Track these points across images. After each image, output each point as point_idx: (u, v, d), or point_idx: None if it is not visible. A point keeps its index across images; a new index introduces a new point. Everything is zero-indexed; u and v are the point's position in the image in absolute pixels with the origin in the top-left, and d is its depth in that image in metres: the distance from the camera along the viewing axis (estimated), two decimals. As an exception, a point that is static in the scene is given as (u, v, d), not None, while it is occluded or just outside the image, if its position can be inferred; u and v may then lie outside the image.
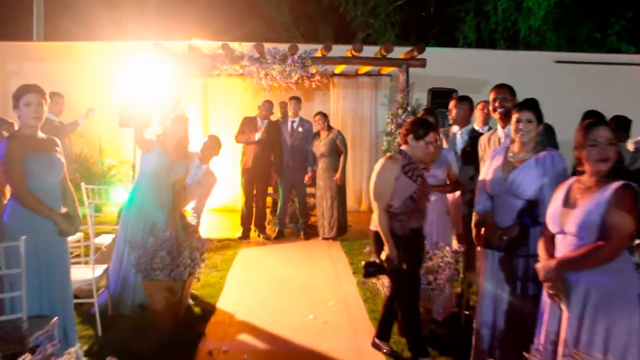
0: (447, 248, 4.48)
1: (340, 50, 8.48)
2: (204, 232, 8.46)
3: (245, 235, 8.04)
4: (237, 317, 4.91)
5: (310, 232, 8.27)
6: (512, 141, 3.63)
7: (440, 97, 8.05)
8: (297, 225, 8.32)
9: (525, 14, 19.40)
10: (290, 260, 6.96)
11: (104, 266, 4.59)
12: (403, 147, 3.89)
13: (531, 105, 3.47)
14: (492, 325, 3.54)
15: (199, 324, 4.71)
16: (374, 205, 3.83)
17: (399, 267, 3.77)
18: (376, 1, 20.75)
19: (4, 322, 3.24)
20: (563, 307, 2.75)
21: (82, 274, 4.38)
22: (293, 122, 8.12)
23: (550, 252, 2.88)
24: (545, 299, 2.90)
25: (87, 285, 4.34)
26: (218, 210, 10.35)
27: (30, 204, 3.43)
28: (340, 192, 7.95)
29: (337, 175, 7.84)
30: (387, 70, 9.81)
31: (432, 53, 8.10)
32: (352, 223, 8.54)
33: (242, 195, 8.11)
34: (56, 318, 3.36)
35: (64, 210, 3.63)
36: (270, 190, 8.68)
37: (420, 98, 8.16)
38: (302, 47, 8.09)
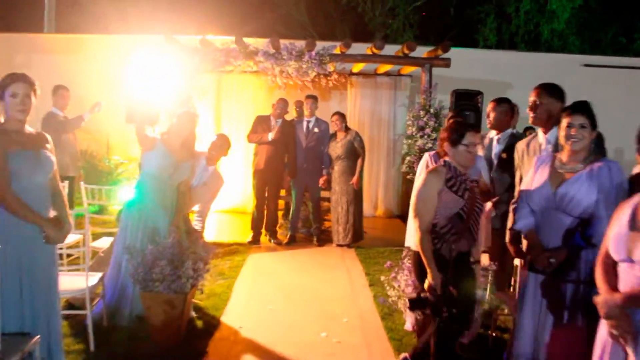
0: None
1: (359, 48, 8.08)
2: (212, 235, 8.12)
3: (255, 240, 7.64)
4: (242, 333, 4.49)
5: (323, 237, 7.85)
6: (557, 149, 3.19)
7: (464, 99, 7.61)
8: (310, 230, 7.90)
9: (548, 16, 18.93)
10: (302, 268, 6.55)
11: (99, 274, 4.20)
12: (446, 158, 3.42)
13: (584, 108, 3.02)
14: (531, 359, 3.11)
15: (202, 340, 4.30)
16: (415, 224, 3.36)
17: (443, 298, 3.21)
18: (395, 1, 20.38)
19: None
20: (629, 351, 2.29)
21: (75, 282, 4.00)
22: (309, 122, 7.71)
23: (612, 284, 2.41)
24: (605, 338, 2.44)
25: (82, 294, 3.95)
26: (228, 212, 9.98)
27: (14, 208, 3.03)
28: (356, 197, 7.52)
29: (354, 179, 7.42)
30: (407, 70, 9.39)
31: (453, 53, 7.68)
32: (368, 229, 8.10)
33: (253, 198, 7.72)
34: (38, 336, 2.97)
35: (52, 214, 3.24)
36: (282, 193, 8.28)
37: (442, 100, 7.72)
38: (320, 44, 7.69)
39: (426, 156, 4.52)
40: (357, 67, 9.42)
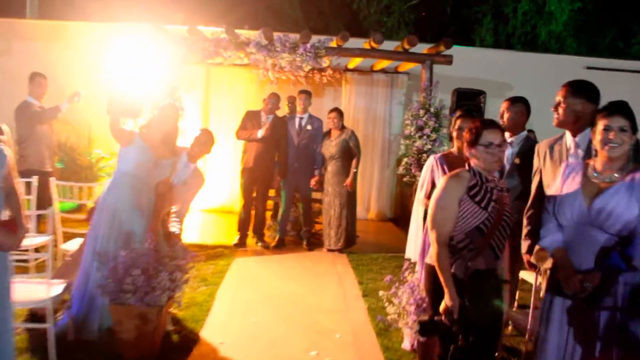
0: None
1: (356, 44, 7.64)
2: (196, 236, 7.68)
3: (241, 243, 7.19)
4: (223, 350, 4.04)
5: (314, 241, 7.42)
6: (589, 154, 2.79)
7: (465, 98, 7.23)
8: (300, 233, 7.47)
9: (546, 18, 18.69)
10: (290, 275, 6.12)
11: (65, 282, 3.74)
12: (472, 162, 2.97)
13: (624, 109, 2.62)
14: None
15: (178, 357, 3.86)
16: (431, 236, 2.93)
17: (460, 323, 2.79)
18: (390, -1, 20.10)
19: None
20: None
21: (36, 291, 3.54)
22: (301, 118, 7.26)
23: None
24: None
25: (44, 305, 3.50)
26: (214, 211, 9.53)
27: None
28: (350, 199, 7.09)
29: (348, 180, 6.99)
30: (405, 67, 8.99)
31: (453, 51, 7.27)
32: (360, 233, 7.67)
33: (241, 198, 7.27)
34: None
35: (4, 216, 2.78)
36: (272, 193, 7.84)
37: (443, 99, 7.31)
38: (315, 38, 7.26)
39: (431, 160, 4.10)
40: (353, 62, 9.01)
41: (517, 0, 18.61)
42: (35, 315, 3.97)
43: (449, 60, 7.24)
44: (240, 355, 3.99)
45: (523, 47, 18.84)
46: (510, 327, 4.42)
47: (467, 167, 2.94)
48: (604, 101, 5.86)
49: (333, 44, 7.20)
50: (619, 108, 2.61)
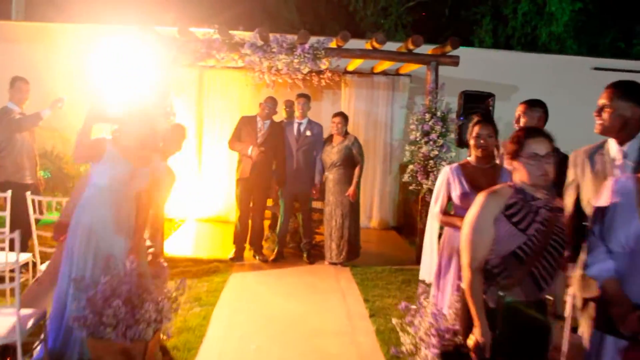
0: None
1: (354, 46, 7.25)
2: (190, 249, 7.26)
3: (238, 256, 6.77)
4: (219, 385, 3.65)
5: (314, 253, 7.01)
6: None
7: (473, 101, 6.81)
8: (300, 245, 7.05)
9: (547, 19, 18.38)
10: (291, 293, 5.70)
11: (38, 312, 3.32)
12: (514, 178, 2.58)
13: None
14: None
15: (167, 395, 3.46)
16: (463, 259, 2.55)
17: None
18: (387, 1, 19.78)
19: None
20: None
21: (4, 324, 3.12)
22: (300, 124, 6.85)
23: None
24: None
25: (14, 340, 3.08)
26: (208, 221, 9.12)
27: None
28: (352, 209, 6.68)
29: (350, 190, 6.57)
30: (407, 69, 8.60)
31: (456, 52, 6.90)
32: (363, 243, 7.20)
33: (237, 209, 6.83)
34: None
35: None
36: (269, 203, 7.43)
37: (449, 102, 6.91)
38: (314, 38, 6.86)
39: (446, 171, 3.69)
40: (353, 64, 8.63)
41: (517, 1, 18.30)
42: (6, 349, 3.55)
43: (455, 61, 6.86)
44: (237, 390, 3.58)
45: (523, 48, 18.54)
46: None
47: (509, 183, 2.54)
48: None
49: (332, 45, 6.80)
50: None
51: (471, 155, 3.66)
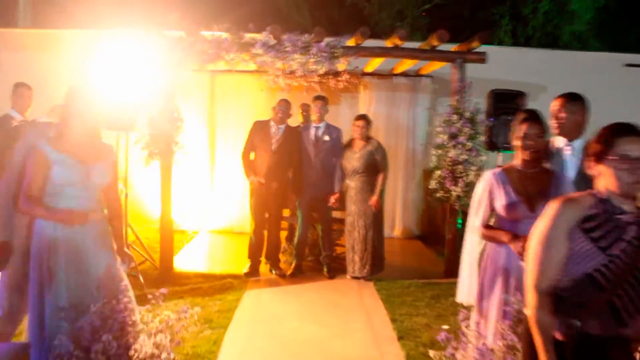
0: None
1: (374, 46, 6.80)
2: (203, 263, 6.83)
3: (253, 271, 6.32)
4: None
5: (335, 267, 6.53)
6: None
7: (504, 101, 6.30)
8: (320, 259, 6.57)
9: (568, 17, 17.84)
10: (311, 312, 5.22)
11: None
12: (598, 185, 2.09)
13: None
14: None
15: None
16: (529, 279, 2.07)
17: None
18: (402, 4, 19.38)
19: None
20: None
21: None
22: (317, 128, 6.40)
23: None
24: None
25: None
26: (223, 232, 8.68)
27: None
28: (376, 219, 6.19)
29: (373, 199, 6.09)
30: (428, 69, 8.12)
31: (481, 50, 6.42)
32: (386, 254, 6.68)
33: (251, 221, 6.38)
34: None
35: None
36: (286, 213, 6.97)
37: (477, 102, 6.40)
38: (330, 39, 6.40)
39: (488, 177, 3.19)
40: (371, 65, 8.16)
41: (537, 0, 17.79)
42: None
43: (482, 58, 6.36)
44: None
45: (544, 49, 18.07)
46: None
47: (592, 191, 2.06)
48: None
49: (351, 43, 6.34)
50: None
51: (516, 158, 3.16)
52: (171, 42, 5.99)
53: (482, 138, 6.29)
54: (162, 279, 5.96)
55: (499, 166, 3.27)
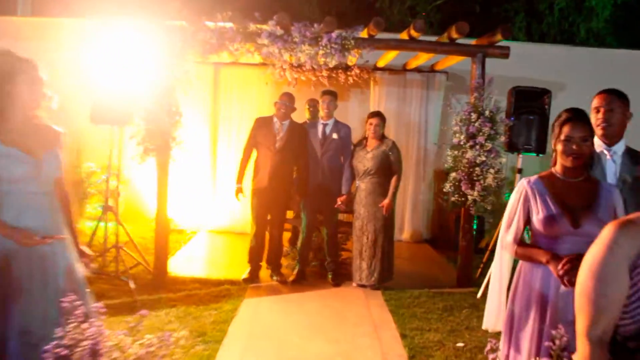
0: None
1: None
2: (199, 267, 6.43)
3: (253, 277, 5.91)
4: None
5: (341, 273, 6.12)
6: None
7: (526, 99, 5.88)
8: (325, 264, 6.15)
9: (586, 14, 17.37)
10: (314, 326, 4.80)
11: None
12: None
13: None
14: None
15: None
16: (579, 324, 1.60)
17: None
18: (414, 0, 19.02)
19: None
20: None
21: None
22: (325, 125, 5.97)
23: None
24: None
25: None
26: (223, 233, 8.28)
27: None
28: (387, 224, 5.76)
29: (386, 201, 5.66)
30: (443, 65, 7.68)
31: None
32: (394, 259, 6.29)
33: (252, 224, 5.96)
34: None
35: None
36: (290, 215, 6.55)
37: (498, 100, 5.95)
38: (340, 31, 5.95)
39: (523, 186, 2.73)
40: (383, 60, 7.74)
41: (553, -4, 17.37)
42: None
43: (505, 53, 5.91)
44: None
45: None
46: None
47: None
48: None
49: (363, 34, 5.89)
50: None
51: (556, 165, 2.72)
52: (172, 31, 5.55)
53: (502, 139, 5.87)
54: (156, 284, 5.55)
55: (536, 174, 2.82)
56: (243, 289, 5.62)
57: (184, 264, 6.43)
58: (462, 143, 5.75)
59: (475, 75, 5.94)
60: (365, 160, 5.71)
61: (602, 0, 16.73)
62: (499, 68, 6.28)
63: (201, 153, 8.41)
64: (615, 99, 3.11)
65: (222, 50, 5.77)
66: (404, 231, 8.51)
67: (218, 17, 5.68)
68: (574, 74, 8.60)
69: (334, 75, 7.49)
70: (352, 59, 6.23)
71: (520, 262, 2.77)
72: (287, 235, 7.00)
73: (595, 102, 3.12)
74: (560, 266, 2.47)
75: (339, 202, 5.89)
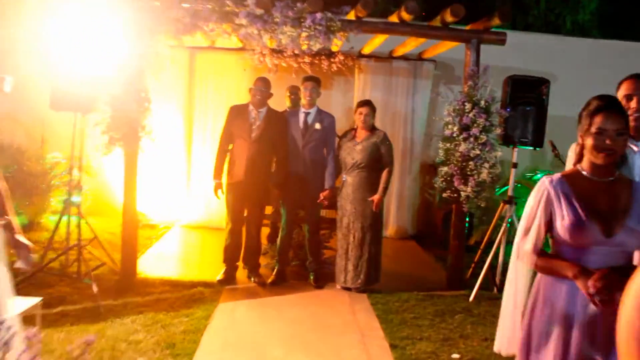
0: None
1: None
2: (170, 267, 5.95)
3: (228, 278, 5.46)
4: None
5: (323, 273, 5.69)
6: None
7: (523, 89, 5.49)
8: (306, 264, 5.72)
9: (572, 6, 17.19)
10: (295, 335, 4.36)
11: None
12: None
13: None
14: None
15: None
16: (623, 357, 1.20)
17: None
18: (397, -13, 18.64)
19: None
20: None
21: None
22: (307, 114, 5.51)
23: None
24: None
25: None
26: (197, 228, 7.80)
27: None
28: (375, 222, 5.35)
29: (377, 196, 5.25)
30: (432, 53, 7.30)
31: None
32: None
33: (227, 220, 5.51)
34: None
35: None
36: (268, 210, 6.10)
37: (494, 90, 5.55)
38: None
39: (545, 186, 2.30)
40: (369, 47, 7.30)
41: (539, -13, 17.15)
42: None
43: (501, 39, 5.52)
44: None
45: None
46: None
47: None
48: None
49: (351, 16, 5.44)
50: None
51: (583, 162, 2.30)
52: (141, 7, 5.03)
53: (498, 131, 5.47)
54: (122, 287, 5.06)
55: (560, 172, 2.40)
56: (218, 292, 5.16)
57: (154, 264, 5.94)
58: (454, 135, 5.34)
59: (469, 63, 5.53)
60: (354, 152, 5.27)
61: (589, -7, 16.56)
62: (491, 57, 5.89)
63: (175, 142, 7.90)
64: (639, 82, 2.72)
65: (196, 31, 5.27)
66: (389, 227, 8.09)
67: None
68: (568, 64, 8.27)
69: (316, 61, 7.08)
70: (337, 42, 5.78)
71: (539, 275, 2.36)
72: (265, 232, 6.55)
73: (625, 89, 2.71)
74: (591, 282, 2.07)
75: (322, 197, 5.46)
